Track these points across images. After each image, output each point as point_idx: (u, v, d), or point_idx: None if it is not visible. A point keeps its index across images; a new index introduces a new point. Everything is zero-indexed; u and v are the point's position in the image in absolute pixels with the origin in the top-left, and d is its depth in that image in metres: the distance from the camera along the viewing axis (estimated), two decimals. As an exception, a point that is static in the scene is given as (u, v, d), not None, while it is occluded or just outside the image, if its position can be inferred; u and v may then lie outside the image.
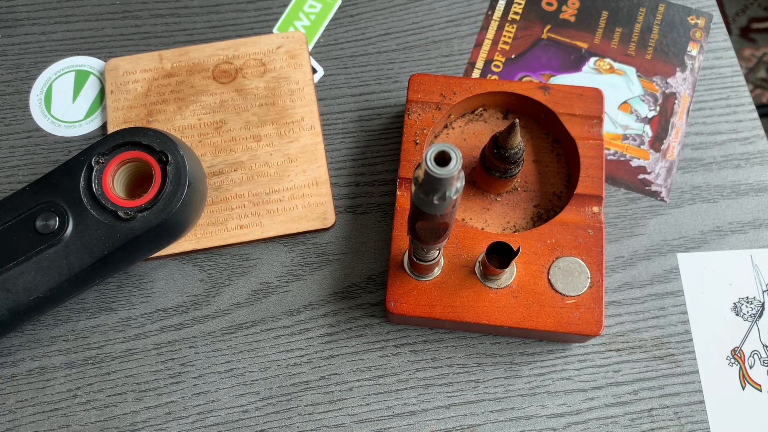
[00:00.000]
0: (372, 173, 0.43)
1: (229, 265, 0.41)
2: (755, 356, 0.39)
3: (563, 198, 0.40)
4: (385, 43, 0.47)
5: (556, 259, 0.37)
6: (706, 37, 0.47)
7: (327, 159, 0.43)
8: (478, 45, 0.47)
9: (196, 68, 0.45)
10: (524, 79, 0.46)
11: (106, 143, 0.36)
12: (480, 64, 0.46)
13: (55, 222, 0.35)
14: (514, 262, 0.36)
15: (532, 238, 0.37)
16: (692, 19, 0.48)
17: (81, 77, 0.45)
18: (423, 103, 0.40)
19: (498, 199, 0.40)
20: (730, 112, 0.45)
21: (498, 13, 0.48)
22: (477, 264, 0.37)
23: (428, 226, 0.28)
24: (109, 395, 0.38)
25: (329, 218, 0.41)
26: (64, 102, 0.45)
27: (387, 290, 0.37)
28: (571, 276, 0.37)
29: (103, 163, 0.36)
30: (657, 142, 0.44)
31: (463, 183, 0.25)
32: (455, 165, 0.24)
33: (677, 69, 0.46)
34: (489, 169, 0.38)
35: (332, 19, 0.48)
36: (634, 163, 0.44)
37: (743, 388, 0.39)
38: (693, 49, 0.47)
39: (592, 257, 0.37)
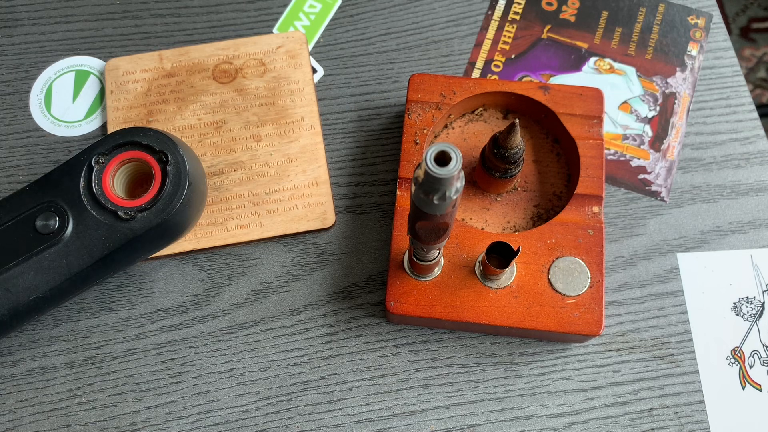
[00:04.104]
0: (372, 173, 0.43)
1: (229, 265, 0.41)
2: (755, 356, 0.39)
3: (563, 198, 0.40)
4: (385, 43, 0.47)
5: (556, 259, 0.37)
6: (706, 37, 0.47)
7: (327, 159, 0.43)
8: (478, 45, 0.47)
9: (196, 68, 0.45)
10: (524, 79, 0.46)
11: (106, 143, 0.36)
12: (480, 64, 0.46)
13: (55, 222, 0.35)
14: (514, 262, 0.36)
15: (532, 238, 0.37)
16: (692, 19, 0.48)
17: (81, 77, 0.45)
18: (423, 103, 0.40)
19: (498, 199, 0.40)
20: (730, 112, 0.45)
21: (498, 13, 0.48)
22: (477, 264, 0.37)
23: (428, 226, 0.28)
24: (109, 395, 0.38)
25: (329, 218, 0.41)
26: (64, 102, 0.45)
27: (387, 290, 0.37)
28: (571, 276, 0.37)
29: (103, 163, 0.36)
30: (657, 142, 0.44)
31: (463, 183, 0.25)
32: (455, 165, 0.24)
33: (677, 69, 0.46)
34: (489, 169, 0.38)
35: (332, 19, 0.48)
36: (634, 163, 0.44)
37: (743, 388, 0.39)
38: (693, 49, 0.47)
39: (592, 257, 0.37)
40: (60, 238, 0.35)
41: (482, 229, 0.39)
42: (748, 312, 0.40)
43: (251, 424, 0.38)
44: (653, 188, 0.43)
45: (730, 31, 1.09)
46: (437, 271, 0.37)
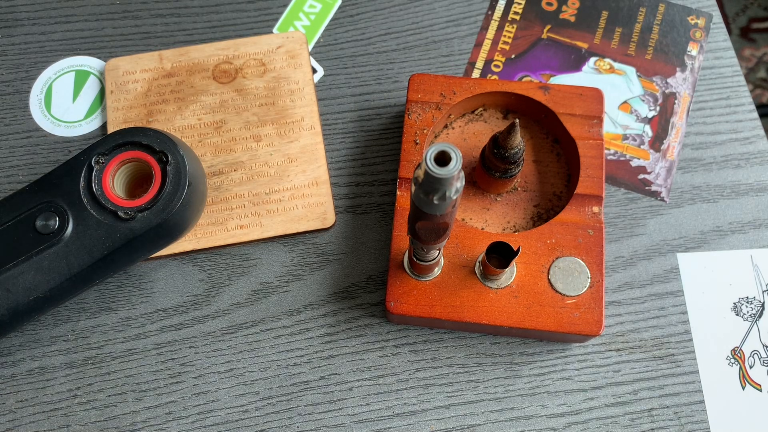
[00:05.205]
0: (372, 173, 0.43)
1: (229, 265, 0.41)
2: (755, 356, 0.39)
3: (563, 198, 0.40)
4: (385, 43, 0.47)
5: (556, 259, 0.37)
6: (706, 37, 0.47)
7: (327, 159, 0.43)
8: (478, 45, 0.47)
9: (196, 68, 0.45)
10: (524, 79, 0.46)
11: (106, 143, 0.36)
12: (480, 64, 0.46)
13: (55, 222, 0.35)
14: (514, 262, 0.36)
15: (532, 238, 0.37)
16: (692, 19, 0.48)
17: (81, 77, 0.45)
18: (423, 103, 0.40)
19: (498, 199, 0.40)
20: (730, 112, 0.45)
21: (498, 13, 0.48)
22: (477, 264, 0.37)
23: (428, 226, 0.28)
24: (109, 395, 0.38)
25: (329, 218, 0.41)
26: (64, 102, 0.45)
27: (387, 290, 0.37)
28: (571, 276, 0.37)
29: (103, 163, 0.36)
30: (657, 142, 0.44)
31: (463, 183, 0.25)
32: (455, 165, 0.24)
33: (677, 69, 0.46)
34: (489, 169, 0.38)
35: (332, 19, 0.48)
36: (634, 163, 0.44)
37: (743, 388, 0.39)
38: (693, 49, 0.47)
39: (592, 257, 0.37)
40: (60, 238, 0.35)
41: (482, 229, 0.39)
42: (748, 312, 0.40)
43: (251, 424, 0.38)
44: (653, 188, 0.43)
45: (730, 31, 1.09)
46: (437, 271, 0.37)
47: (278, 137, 0.43)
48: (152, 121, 0.43)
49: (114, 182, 0.36)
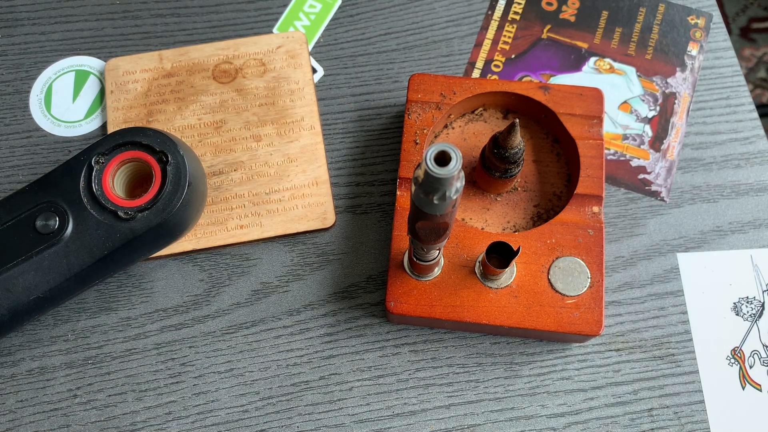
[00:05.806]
0: (372, 173, 0.43)
1: (229, 265, 0.41)
2: (755, 356, 0.39)
3: (563, 198, 0.40)
4: (385, 43, 0.47)
5: (556, 259, 0.37)
6: (706, 37, 0.47)
7: (327, 159, 0.43)
8: (478, 45, 0.47)
9: (196, 68, 0.45)
10: (524, 79, 0.46)
11: (106, 143, 0.36)
12: (480, 64, 0.46)
13: (55, 222, 0.35)
14: (514, 262, 0.36)
15: (532, 238, 0.37)
16: (692, 19, 0.48)
17: (81, 77, 0.46)
18: (423, 103, 0.40)
19: (498, 199, 0.40)
20: (730, 112, 0.45)
21: (498, 13, 0.48)
22: (477, 264, 0.37)
23: (428, 226, 0.28)
24: (109, 395, 0.38)
25: (329, 218, 0.41)
26: (64, 102, 0.45)
27: (387, 290, 0.37)
28: (571, 276, 0.37)
29: (103, 163, 0.36)
30: (657, 142, 0.44)
31: (463, 183, 0.25)
32: (455, 165, 0.24)
33: (677, 69, 0.46)
34: (489, 169, 0.38)
35: (332, 19, 0.48)
36: (634, 163, 0.44)
37: (743, 388, 0.39)
38: (693, 49, 0.47)
39: (592, 257, 0.37)
40: (60, 238, 0.35)
41: (482, 229, 0.39)
42: (748, 312, 0.40)
43: (251, 424, 0.38)
44: (653, 188, 0.43)
45: (730, 31, 1.09)
46: (437, 271, 0.37)
47: (278, 137, 0.43)
48: (152, 121, 0.43)
49: (114, 182, 0.36)
